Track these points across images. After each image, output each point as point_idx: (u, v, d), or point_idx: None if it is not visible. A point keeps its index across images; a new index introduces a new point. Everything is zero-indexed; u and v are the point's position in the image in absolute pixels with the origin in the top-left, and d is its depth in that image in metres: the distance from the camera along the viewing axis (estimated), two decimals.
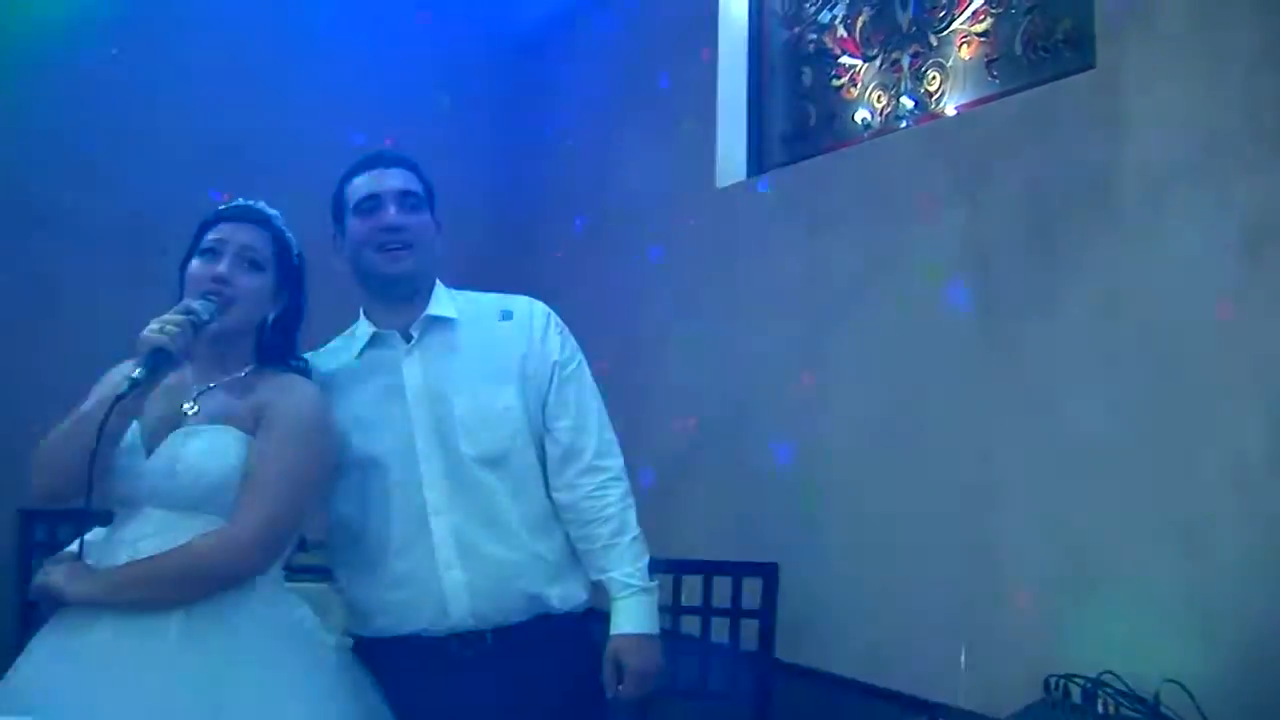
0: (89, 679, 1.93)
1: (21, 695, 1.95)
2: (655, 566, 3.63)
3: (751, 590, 3.48)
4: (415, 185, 2.41)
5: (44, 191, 4.37)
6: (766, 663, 3.52)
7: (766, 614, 3.55)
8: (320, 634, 2.20)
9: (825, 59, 4.16)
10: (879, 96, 3.94)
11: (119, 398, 1.94)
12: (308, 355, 2.38)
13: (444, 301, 2.41)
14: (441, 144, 5.20)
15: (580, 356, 2.49)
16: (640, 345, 4.59)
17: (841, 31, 4.10)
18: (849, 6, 4.08)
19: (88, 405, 2.06)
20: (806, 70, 4.24)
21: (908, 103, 3.82)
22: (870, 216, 3.66)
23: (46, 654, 2.02)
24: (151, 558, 2.01)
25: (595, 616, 2.45)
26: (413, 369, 2.35)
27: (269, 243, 2.21)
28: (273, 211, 2.28)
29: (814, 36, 4.22)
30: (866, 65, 4.00)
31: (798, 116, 4.26)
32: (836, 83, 4.11)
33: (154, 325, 2.01)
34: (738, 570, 3.60)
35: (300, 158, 4.14)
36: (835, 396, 3.72)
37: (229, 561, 2.03)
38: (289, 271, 2.26)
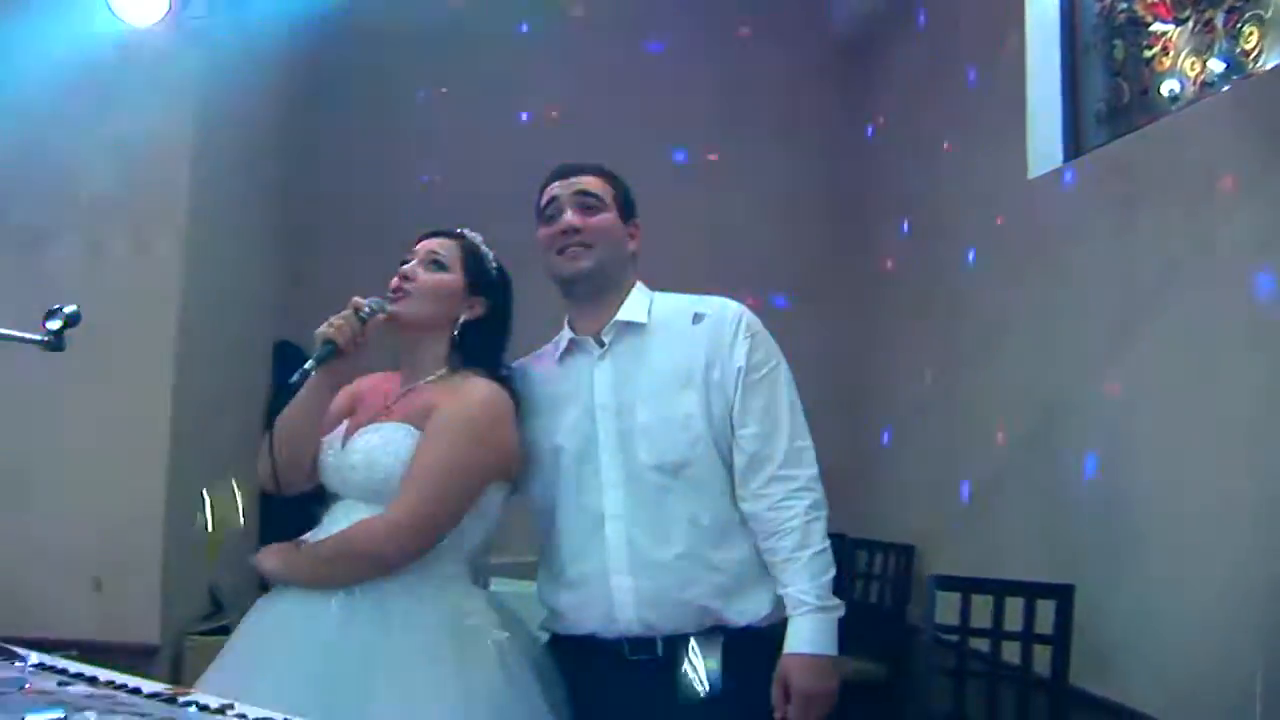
0: (266, 651, 2.13)
1: (219, 673, 2.14)
2: (944, 585, 3.68)
3: (1046, 613, 3.37)
4: (597, 187, 2.43)
5: None
6: (1060, 691, 3.40)
7: (1060, 639, 3.43)
8: (488, 630, 2.25)
9: (1136, 29, 3.87)
10: (1191, 64, 3.61)
11: (291, 386, 2.21)
12: (520, 360, 2.48)
13: (636, 305, 2.43)
14: (767, 155, 5.48)
15: (777, 361, 2.40)
16: (959, 354, 4.51)
17: None
18: None
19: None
20: (1118, 44, 3.96)
21: (1218, 65, 3.48)
22: (1179, 199, 3.37)
23: (242, 631, 2.25)
24: (320, 540, 2.24)
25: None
26: (602, 376, 2.39)
27: (456, 249, 2.38)
28: (469, 232, 2.44)
29: (1125, 6, 3.94)
30: (1179, 30, 3.68)
31: (1111, 95, 4.00)
32: (1148, 53, 3.81)
33: (326, 323, 2.23)
34: (1031, 591, 3.50)
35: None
36: (1144, 401, 3.46)
37: (370, 545, 2.18)
38: (481, 276, 2.39)
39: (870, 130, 5.42)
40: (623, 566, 2.30)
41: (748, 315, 2.42)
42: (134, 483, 3.91)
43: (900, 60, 5.25)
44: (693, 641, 2.30)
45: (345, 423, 2.34)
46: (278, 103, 4.95)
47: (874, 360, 5.47)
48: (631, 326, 2.41)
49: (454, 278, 2.35)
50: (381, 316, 2.29)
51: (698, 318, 2.41)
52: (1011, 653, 3.44)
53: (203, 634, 4.10)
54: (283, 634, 2.16)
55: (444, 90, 5.31)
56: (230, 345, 4.51)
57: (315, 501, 2.33)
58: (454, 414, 2.25)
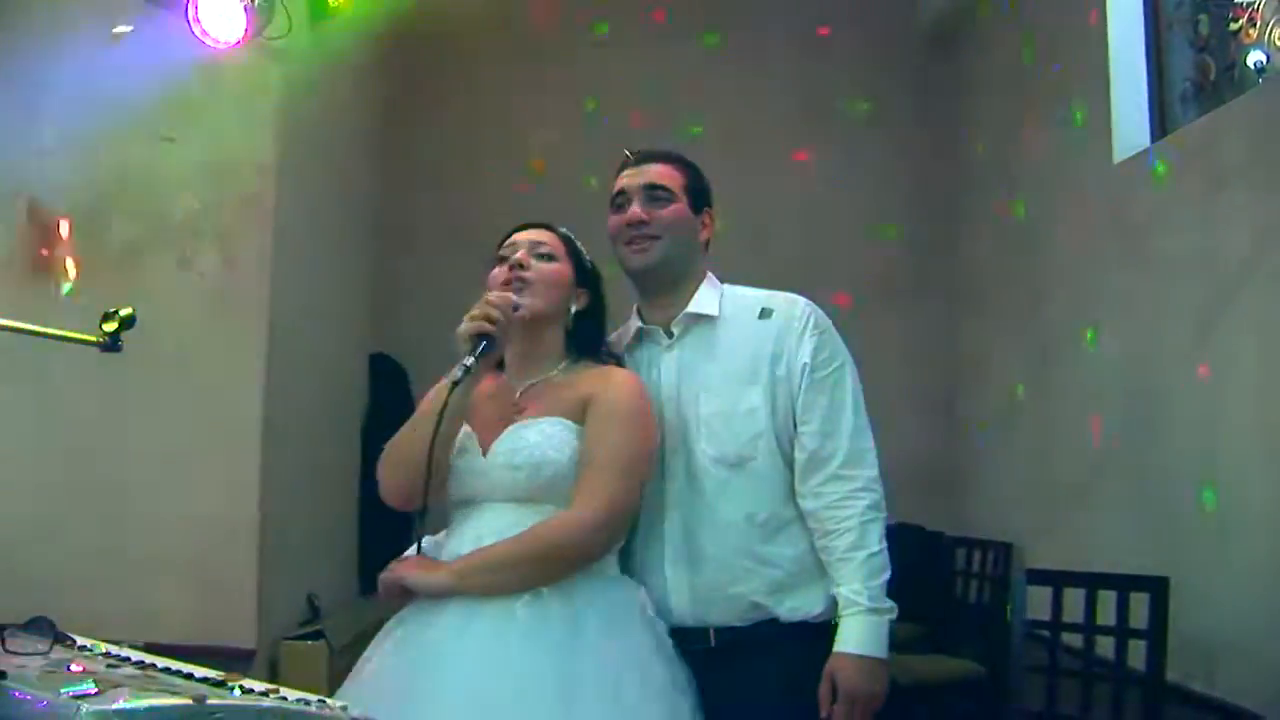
0: (441, 663, 2.05)
1: (372, 686, 2.10)
2: (1035, 579, 3.64)
3: (1140, 606, 3.30)
4: (665, 178, 2.45)
5: None
6: (1156, 687, 3.33)
7: (1155, 633, 3.35)
8: (658, 621, 2.27)
9: (1221, 2, 3.80)
10: (1279, 33, 3.53)
11: (455, 383, 2.11)
12: None
13: (707, 297, 2.44)
14: (856, 154, 5.52)
15: (842, 360, 2.41)
16: (1051, 347, 4.46)
17: None
18: None
19: (420, 408, 2.24)
20: (1203, 18, 3.89)
21: None
22: (1267, 177, 3.30)
23: (393, 645, 2.16)
24: (498, 543, 2.14)
25: None
26: (669, 367, 2.42)
27: (557, 240, 2.36)
28: (557, 226, 2.42)
29: None
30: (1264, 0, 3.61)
31: (1197, 72, 3.92)
32: (1234, 26, 3.73)
33: (468, 317, 2.17)
34: (1124, 584, 3.43)
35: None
36: (1237, 386, 3.39)
37: (575, 542, 2.14)
38: (583, 267, 2.38)
39: (958, 123, 5.40)
40: (678, 557, 2.34)
41: (817, 312, 2.44)
42: (229, 490, 4.01)
43: (986, 51, 5.24)
44: (745, 633, 2.32)
45: (466, 428, 2.26)
46: (363, 116, 5.09)
47: (968, 357, 5.45)
48: (701, 319, 2.43)
49: (565, 267, 2.33)
50: (519, 314, 2.24)
51: (765, 312, 2.43)
52: (1106, 648, 3.37)
53: (298, 639, 4.19)
54: (457, 649, 2.07)
55: (527, 94, 5.43)
56: (322, 355, 4.64)
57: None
58: (621, 402, 2.24)
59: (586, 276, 2.38)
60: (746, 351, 2.39)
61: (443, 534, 2.32)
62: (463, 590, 2.11)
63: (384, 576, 2.21)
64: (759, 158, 5.30)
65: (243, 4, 3.72)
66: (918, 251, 5.44)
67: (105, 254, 3.98)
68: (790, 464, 2.36)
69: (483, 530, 2.19)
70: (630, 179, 2.46)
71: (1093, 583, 3.47)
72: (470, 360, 2.12)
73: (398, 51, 5.28)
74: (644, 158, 2.50)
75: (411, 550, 2.25)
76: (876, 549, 2.30)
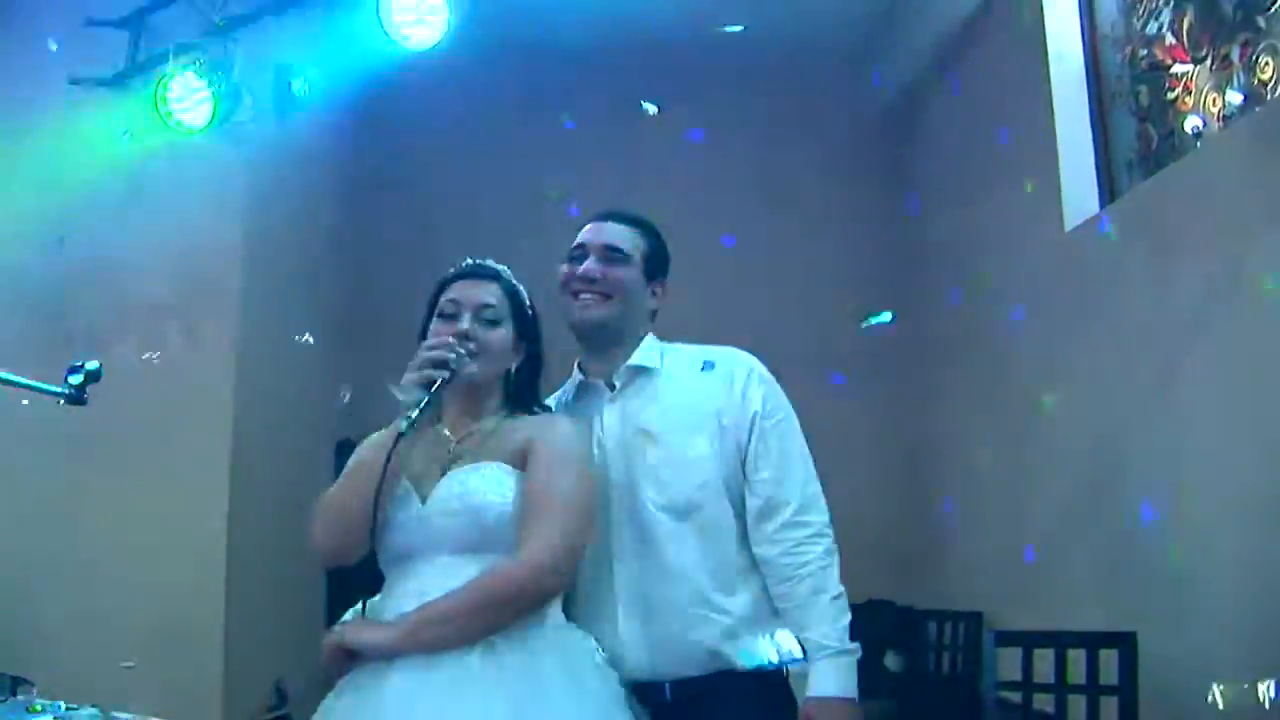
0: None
1: None
2: (1003, 640, 3.70)
3: (1109, 663, 3.37)
4: (625, 242, 2.50)
5: None
6: None
7: (1125, 689, 3.40)
8: (608, 668, 2.26)
9: (1157, 73, 4.03)
10: (1213, 99, 3.76)
11: (399, 435, 2.08)
12: None
13: (648, 352, 2.49)
14: (814, 234, 5.66)
15: (788, 410, 2.47)
16: (1012, 414, 4.59)
17: (1170, 39, 3.97)
18: (1174, 9, 3.96)
19: (355, 461, 2.22)
20: (1142, 89, 4.13)
21: (1235, 97, 3.63)
22: (1212, 230, 3.47)
23: (342, 713, 2.08)
24: (446, 595, 2.06)
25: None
26: (612, 417, 2.44)
27: (503, 297, 2.33)
28: (500, 267, 2.40)
29: (1145, 52, 4.11)
30: (1198, 69, 3.83)
31: (1140, 141, 4.15)
32: (1171, 95, 3.97)
33: (416, 363, 2.17)
34: (1092, 641, 3.47)
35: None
36: (1195, 438, 3.52)
37: (528, 585, 2.09)
38: (525, 322, 2.36)
39: (913, 201, 5.59)
40: (631, 610, 2.34)
41: (759, 365, 2.50)
42: (194, 579, 4.05)
43: (937, 129, 5.49)
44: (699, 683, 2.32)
45: (405, 479, 2.19)
46: (330, 204, 5.21)
47: (931, 430, 5.57)
48: (643, 371, 2.48)
49: (506, 332, 2.32)
50: (464, 377, 2.21)
51: (708, 365, 2.50)
52: (1078, 709, 3.41)
53: None
54: (409, 707, 2.01)
55: (494, 184, 5.59)
56: (288, 444, 4.67)
57: (365, 581, 2.21)
58: (564, 446, 2.23)
59: (526, 329, 2.38)
60: (690, 401, 2.45)
61: (378, 596, 2.25)
62: (412, 647, 2.04)
63: (326, 642, 2.16)
64: (715, 240, 5.44)
65: (210, 90, 3.88)
66: (878, 329, 5.50)
67: (67, 337, 4.06)
68: (738, 512, 2.40)
69: (425, 585, 2.12)
70: (591, 235, 2.52)
71: (1061, 642, 3.51)
72: (414, 413, 2.11)
73: (364, 141, 5.42)
74: (608, 216, 2.57)
75: (350, 613, 2.21)
76: (837, 592, 2.34)
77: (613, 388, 2.48)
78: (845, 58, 5.86)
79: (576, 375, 2.54)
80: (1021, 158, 4.56)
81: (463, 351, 2.20)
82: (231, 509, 4.12)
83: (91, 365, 2.23)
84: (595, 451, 2.40)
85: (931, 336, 5.37)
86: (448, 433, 2.31)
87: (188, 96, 3.92)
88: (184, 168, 4.12)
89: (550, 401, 2.53)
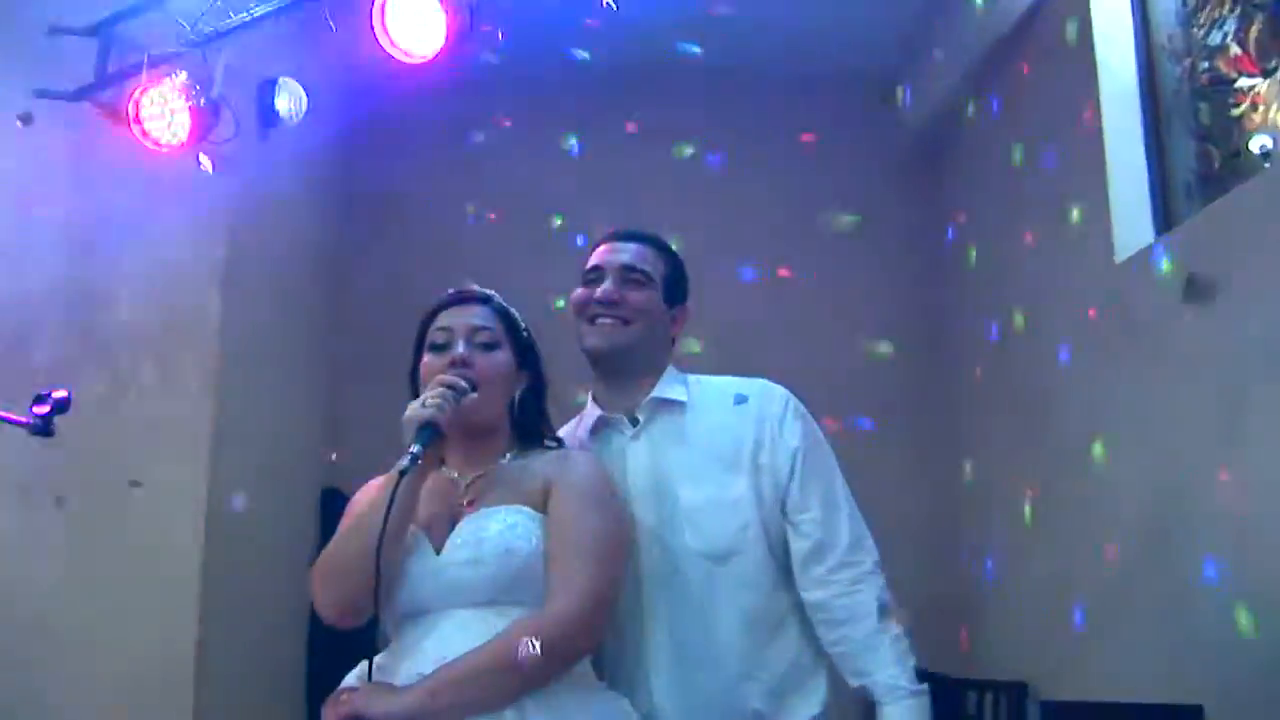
0: None
1: None
2: (1051, 713, 3.40)
3: None
4: (646, 263, 2.41)
5: None
6: None
7: None
8: None
9: (1221, 87, 3.71)
10: None
11: (401, 473, 1.94)
12: None
13: (673, 384, 2.39)
14: (841, 267, 5.42)
15: (825, 445, 2.38)
16: (1059, 463, 4.29)
17: (1235, 49, 3.66)
18: (1240, 17, 3.64)
19: (353, 511, 2.12)
20: (1203, 106, 3.80)
21: None
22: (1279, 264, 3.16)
23: None
24: (468, 653, 1.93)
25: None
26: (638, 456, 2.34)
27: (495, 319, 2.23)
28: (489, 291, 2.30)
29: (1206, 65, 3.80)
30: (1266, 82, 3.51)
31: (1200, 162, 3.82)
32: (1235, 111, 3.64)
33: (414, 404, 2.05)
34: (1153, 715, 3.26)
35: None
36: (1264, 492, 3.18)
37: (559, 640, 1.94)
38: (523, 346, 2.26)
39: (949, 231, 5.32)
40: (667, 664, 2.23)
41: (793, 398, 2.39)
42: (164, 637, 3.78)
43: (974, 153, 5.19)
44: None
45: (413, 528, 2.07)
46: (315, 231, 4.97)
47: (969, 480, 5.26)
48: (669, 404, 2.36)
49: (507, 356, 2.21)
50: (469, 400, 2.10)
51: (740, 399, 2.38)
52: None
53: None
54: None
55: (496, 210, 5.34)
56: (270, 490, 4.41)
57: (355, 642, 2.04)
58: (588, 484, 2.12)
59: (525, 354, 2.27)
60: (724, 438, 2.33)
61: (382, 655, 2.07)
62: (435, 712, 1.89)
63: (330, 712, 1.97)
64: (738, 274, 5.23)
65: (188, 105, 3.62)
66: (911, 369, 5.29)
67: (30, 370, 3.79)
68: (777, 555, 2.30)
69: (444, 643, 1.97)
70: (607, 255, 2.42)
71: (1117, 716, 3.28)
72: (415, 448, 1.97)
73: (355, 162, 5.21)
74: (625, 236, 2.46)
75: (353, 675, 2.03)
76: (898, 631, 2.25)
77: (635, 422, 2.37)
78: (873, 78, 5.59)
79: (592, 409, 2.42)
80: (1068, 182, 4.27)
81: (462, 382, 2.09)
82: (206, 560, 3.83)
83: (59, 394, 2.12)
84: (620, 491, 2.27)
85: (968, 377, 5.07)
86: (455, 475, 2.18)
87: (163, 112, 3.64)
88: (159, 190, 3.86)
89: (561, 434, 2.40)
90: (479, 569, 2.01)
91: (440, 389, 2.06)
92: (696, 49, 5.18)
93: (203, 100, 3.64)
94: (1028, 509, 4.61)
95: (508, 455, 2.21)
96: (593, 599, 1.99)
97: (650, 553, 2.26)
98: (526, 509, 2.07)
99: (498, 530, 2.04)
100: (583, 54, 4.83)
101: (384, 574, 1.93)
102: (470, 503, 2.12)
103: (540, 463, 2.17)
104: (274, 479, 4.47)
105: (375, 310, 5.03)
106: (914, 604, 4.87)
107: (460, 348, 2.16)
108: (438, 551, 2.05)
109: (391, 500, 1.92)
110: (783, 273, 5.38)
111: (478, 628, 1.97)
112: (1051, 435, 4.41)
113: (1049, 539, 4.46)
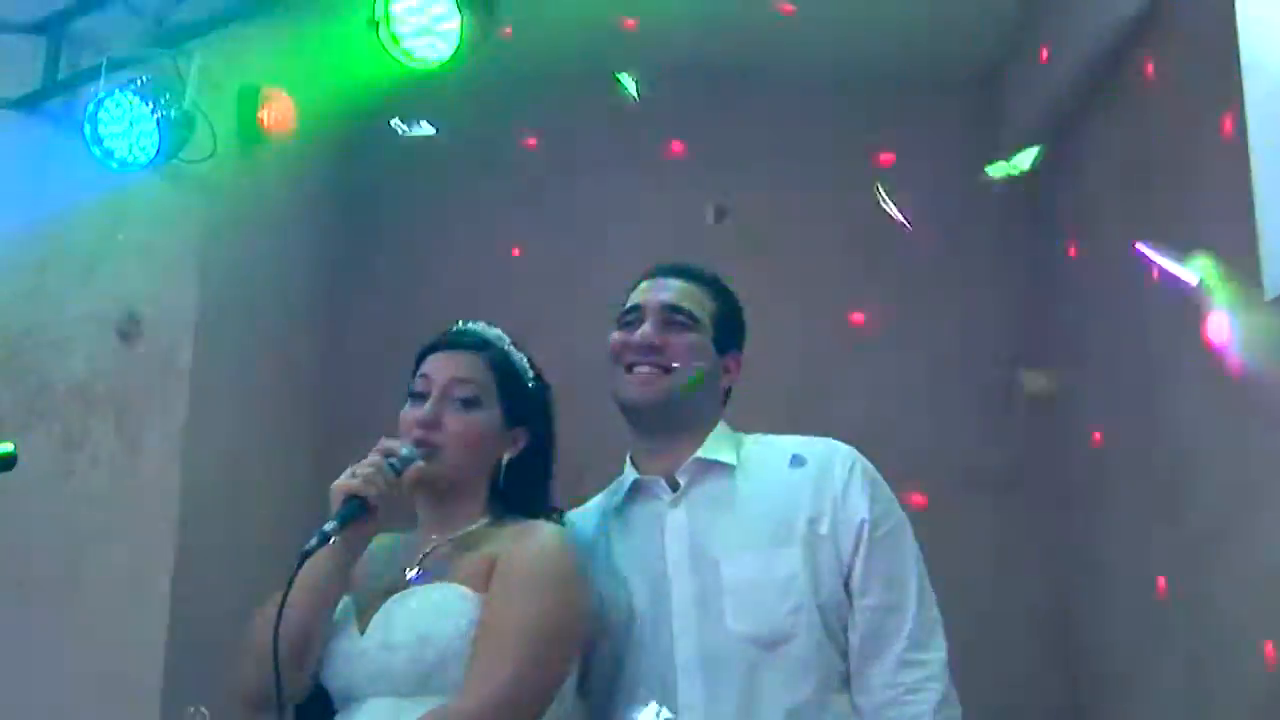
0: None
1: None
2: None
3: None
4: (692, 301, 2.30)
5: None
6: None
7: None
8: None
9: None
10: None
11: (304, 554, 1.86)
12: (569, 513, 2.27)
13: (721, 443, 2.28)
14: (930, 310, 4.97)
15: (900, 515, 2.24)
16: (1205, 539, 3.80)
17: None
18: None
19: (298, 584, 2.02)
20: None
21: None
22: None
23: None
24: None
25: None
26: (677, 526, 2.23)
27: (485, 372, 2.13)
28: (493, 333, 2.21)
29: None
30: None
31: None
32: None
33: (346, 472, 1.99)
34: None
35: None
36: None
37: None
38: (521, 403, 2.16)
39: (1061, 263, 4.86)
40: None
41: (863, 459, 2.28)
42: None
43: (1089, 172, 4.73)
44: None
45: (345, 600, 2.03)
46: (301, 264, 4.65)
47: (1085, 561, 4.75)
48: (715, 467, 2.26)
49: (490, 415, 2.11)
50: (414, 471, 2.03)
51: (797, 460, 2.26)
52: None
53: None
54: None
55: (508, 240, 4.90)
56: (245, 567, 3.89)
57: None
58: (530, 566, 2.00)
59: (524, 411, 2.16)
60: (777, 507, 2.22)
61: None
62: None
63: None
64: (804, 320, 4.79)
65: (155, 117, 3.35)
66: (1015, 430, 4.78)
67: None
68: (836, 643, 2.17)
69: None
70: (649, 293, 2.33)
71: None
72: (330, 524, 1.90)
73: (348, 183, 4.89)
74: (669, 270, 2.36)
75: None
76: None
77: (676, 486, 2.27)
78: (971, 86, 5.22)
79: (629, 472, 2.32)
80: (1204, 205, 3.76)
81: (405, 450, 2.03)
82: (169, 651, 3.49)
83: (5, 448, 1.91)
84: (654, 576, 2.20)
85: (1085, 439, 4.57)
86: (435, 537, 2.13)
87: (124, 123, 3.39)
88: (120, 214, 3.58)
89: (592, 504, 2.37)
90: (393, 654, 1.95)
91: (376, 456, 2.01)
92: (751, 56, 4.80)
93: (173, 111, 3.39)
94: (1158, 597, 4.12)
95: (479, 524, 2.12)
96: (507, 700, 1.88)
97: (685, 638, 2.15)
98: (461, 587, 1.99)
99: (415, 612, 1.97)
100: (622, 76, 4.48)
101: (312, 654, 1.95)
102: (421, 573, 2.06)
103: (501, 535, 2.08)
104: (250, 554, 4.00)
105: (373, 363, 4.61)
106: (1019, 707, 4.44)
107: (429, 405, 2.09)
108: (361, 632, 2.00)
109: (289, 585, 1.84)
110: (856, 319, 4.91)
111: (400, 719, 1.91)
112: (1191, 505, 3.94)
113: (1186, 629, 3.98)
